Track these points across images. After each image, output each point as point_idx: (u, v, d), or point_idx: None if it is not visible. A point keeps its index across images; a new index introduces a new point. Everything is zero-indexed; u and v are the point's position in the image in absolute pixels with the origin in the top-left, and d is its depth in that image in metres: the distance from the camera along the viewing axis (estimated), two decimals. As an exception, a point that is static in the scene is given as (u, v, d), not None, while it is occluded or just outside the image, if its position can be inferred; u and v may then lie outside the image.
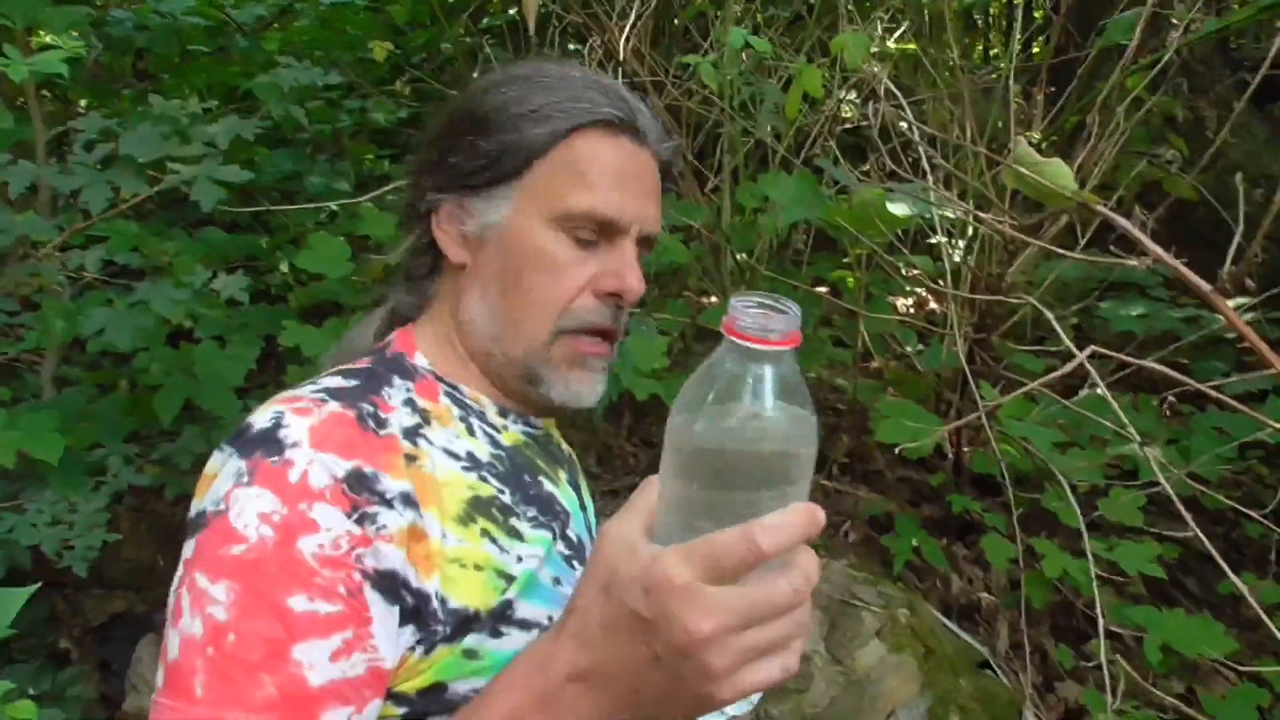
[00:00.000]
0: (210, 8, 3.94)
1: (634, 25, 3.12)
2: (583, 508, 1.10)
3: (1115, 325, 3.18)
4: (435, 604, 0.87)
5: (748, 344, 0.70)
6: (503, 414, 1.05)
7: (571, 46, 3.53)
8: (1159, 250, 1.03)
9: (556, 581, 0.98)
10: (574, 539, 1.04)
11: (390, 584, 0.85)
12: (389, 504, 0.86)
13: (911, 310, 3.91)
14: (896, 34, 3.24)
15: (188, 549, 0.85)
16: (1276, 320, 3.19)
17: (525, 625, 0.92)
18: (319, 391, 0.92)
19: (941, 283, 2.82)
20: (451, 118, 1.04)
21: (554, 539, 1.00)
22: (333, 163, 3.90)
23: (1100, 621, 2.06)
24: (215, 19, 3.98)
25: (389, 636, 0.84)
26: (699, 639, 0.69)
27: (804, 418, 0.72)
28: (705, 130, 3.36)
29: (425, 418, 0.96)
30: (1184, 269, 1.01)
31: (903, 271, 3.01)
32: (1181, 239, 3.18)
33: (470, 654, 0.89)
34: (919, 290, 3.55)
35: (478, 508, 0.94)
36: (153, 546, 2.80)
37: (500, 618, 0.91)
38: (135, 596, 2.80)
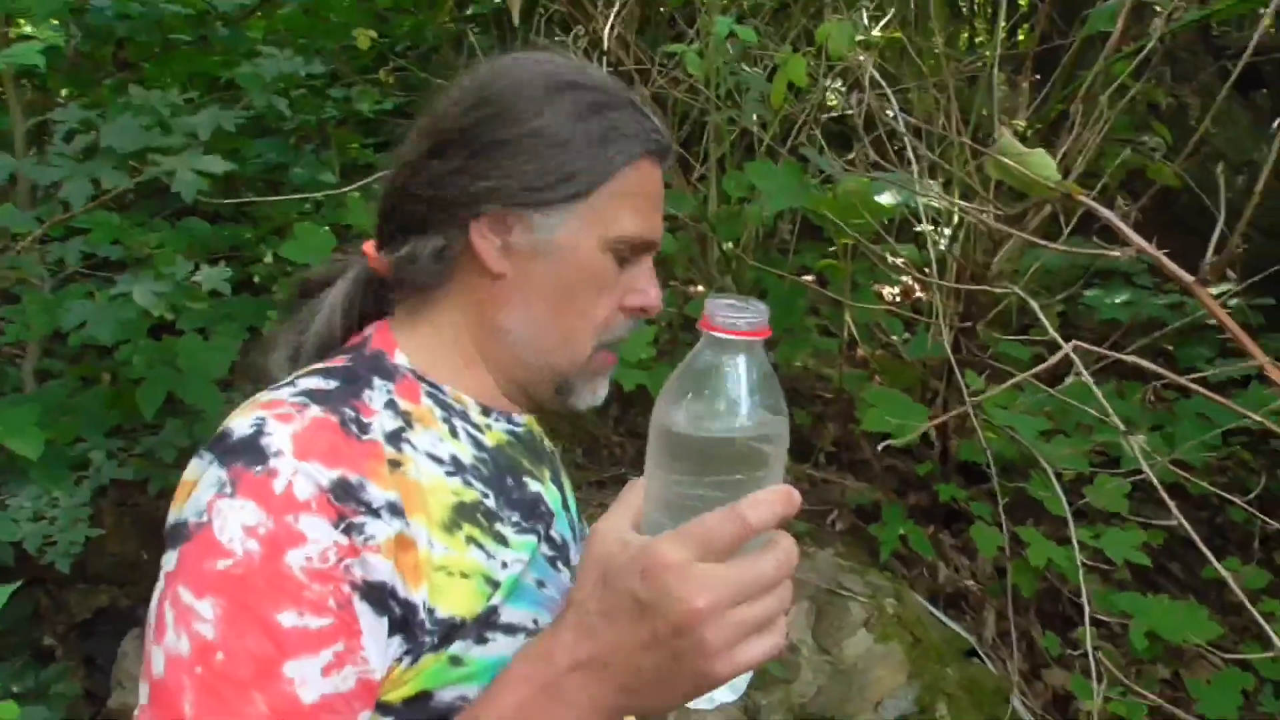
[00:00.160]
0: (192, -4, 3.91)
1: (619, 13, 3.10)
2: (565, 507, 1.09)
3: (1100, 313, 3.19)
4: (423, 614, 0.86)
5: (720, 335, 0.77)
6: (485, 412, 1.03)
7: (556, 36, 3.51)
8: (1141, 241, 1.03)
9: (540, 584, 0.97)
10: (557, 539, 1.03)
11: (379, 595, 0.83)
12: (376, 513, 0.85)
13: (898, 298, 3.92)
14: (882, 22, 3.22)
15: (169, 561, 0.83)
16: (1259, 306, 3.20)
17: (510, 630, 0.91)
18: (300, 395, 0.90)
19: (927, 271, 2.82)
20: (506, 122, 0.97)
21: (538, 541, 0.99)
22: (317, 152, 3.87)
23: (1086, 609, 2.07)
24: (197, 7, 3.94)
25: (378, 648, 0.83)
26: (695, 613, 0.72)
27: (776, 405, 0.79)
28: (691, 119, 3.35)
29: (407, 420, 0.94)
30: (1165, 260, 1.01)
31: (889, 260, 3.01)
32: (1166, 226, 3.18)
33: (455, 661, 0.88)
34: (905, 279, 3.55)
35: (463, 514, 0.93)
36: (136, 541, 2.78)
37: (486, 624, 0.90)
38: (119, 591, 2.79)
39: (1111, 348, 2.96)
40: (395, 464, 0.89)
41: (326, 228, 2.95)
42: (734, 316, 0.77)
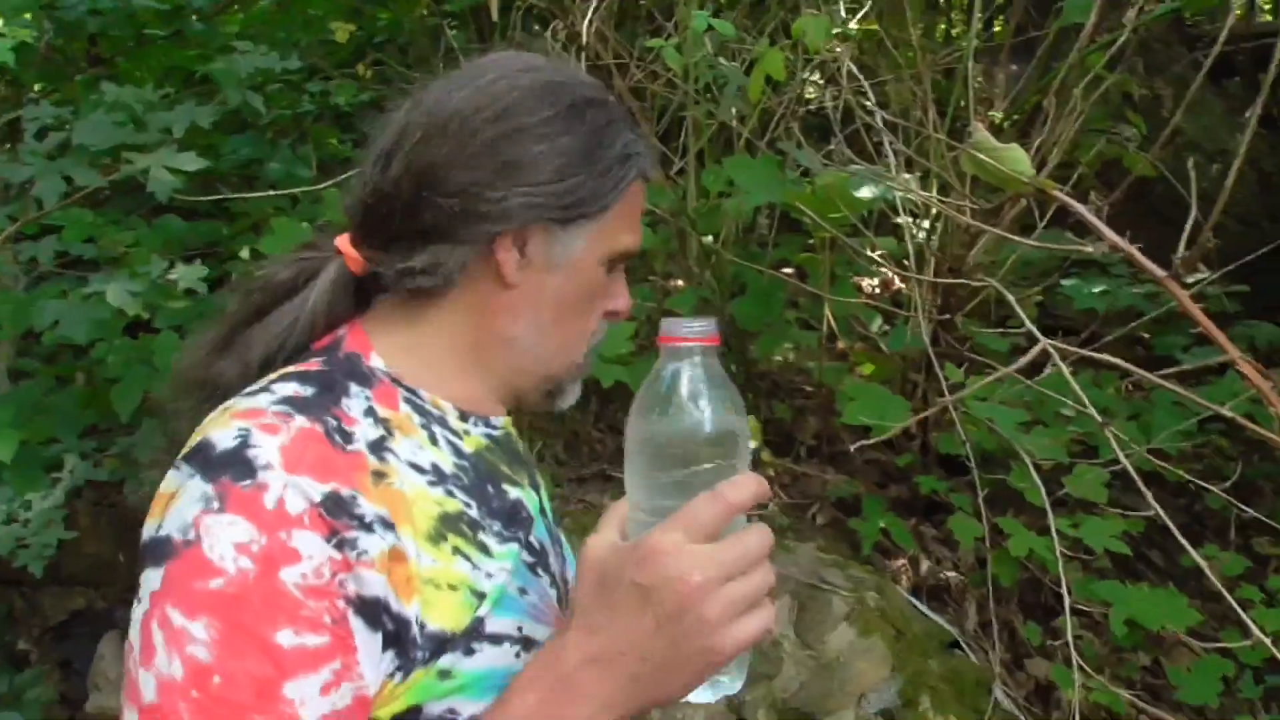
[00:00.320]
0: (165, -9, 3.88)
1: (597, 8, 3.09)
2: (543, 511, 1.08)
3: (1077, 303, 3.20)
4: (415, 630, 0.85)
5: (675, 344, 0.88)
6: (463, 418, 1.02)
7: (534, 30, 3.50)
8: (1114, 236, 1.03)
9: (523, 591, 0.96)
10: (536, 545, 1.02)
11: (373, 610, 0.83)
12: (369, 527, 0.83)
13: (877, 290, 3.92)
14: (859, 15, 3.22)
15: (152, 579, 0.81)
16: (1234, 294, 3.22)
17: (496, 640, 0.91)
18: (280, 404, 0.88)
19: (906, 264, 2.83)
20: (535, 138, 0.96)
21: (520, 549, 0.99)
22: (294, 148, 3.85)
23: (1067, 598, 2.08)
24: (171, 2, 3.91)
25: (372, 663, 0.83)
26: (693, 589, 0.78)
27: (734, 401, 0.89)
28: (669, 113, 3.34)
29: (388, 429, 0.93)
30: (1139, 255, 1.02)
31: (868, 252, 3.01)
32: (1142, 215, 3.20)
33: (444, 674, 0.87)
34: (884, 271, 3.56)
35: (448, 524, 0.92)
36: (113, 542, 2.76)
37: (473, 636, 0.89)
38: (95, 593, 2.76)
39: (1089, 337, 2.99)
40: (380, 475, 0.88)
41: (304, 223, 2.93)
42: (684, 328, 0.88)
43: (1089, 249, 1.10)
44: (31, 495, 2.41)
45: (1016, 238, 1.51)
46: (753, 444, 3.04)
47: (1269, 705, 2.53)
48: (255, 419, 0.85)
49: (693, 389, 0.88)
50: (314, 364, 0.96)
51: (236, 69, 2.98)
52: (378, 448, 0.90)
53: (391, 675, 0.84)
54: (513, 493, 1.03)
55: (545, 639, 0.93)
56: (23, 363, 2.99)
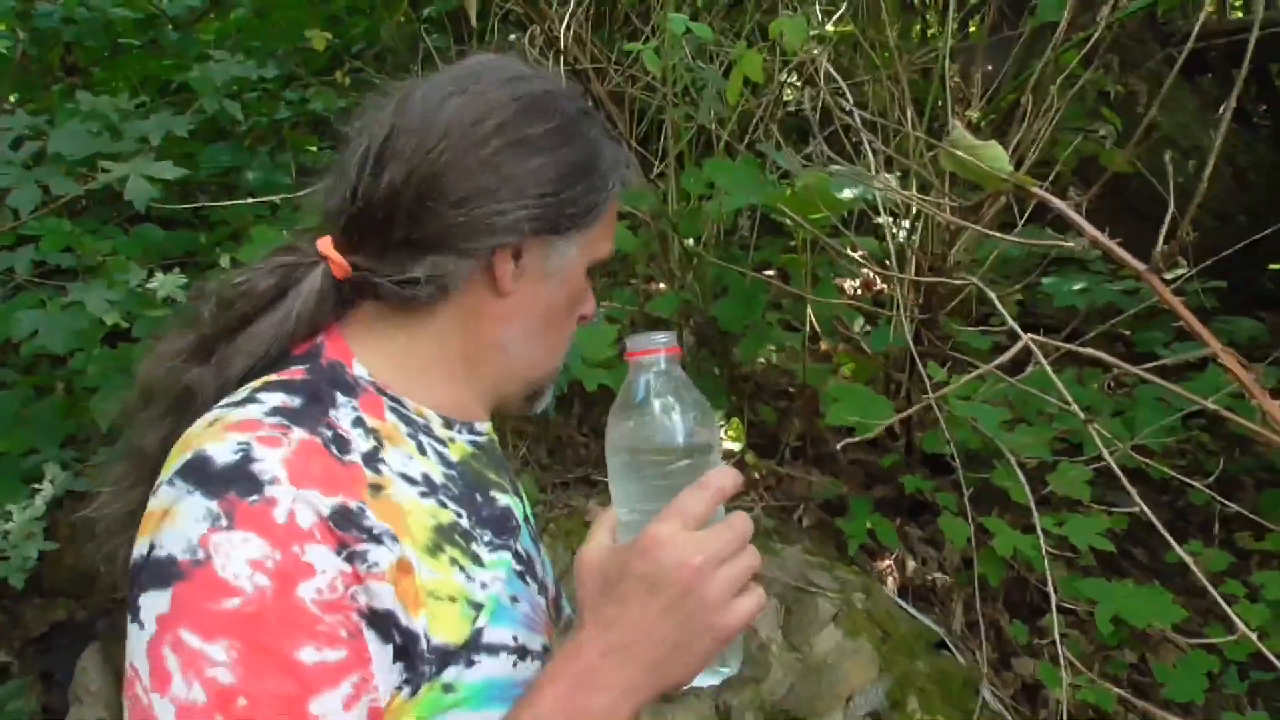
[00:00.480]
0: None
1: (574, 12, 3.09)
2: (526, 519, 1.08)
3: (1057, 301, 3.21)
4: (423, 643, 0.85)
5: (640, 357, 0.96)
6: (448, 425, 1.01)
7: (512, 36, 3.49)
8: (1095, 232, 1.03)
9: (515, 600, 0.96)
10: (523, 554, 1.02)
11: (384, 623, 0.83)
12: (378, 540, 0.83)
13: (859, 291, 3.93)
14: (835, 16, 3.23)
15: (157, 602, 0.78)
16: (1211, 289, 3.24)
17: (493, 650, 0.91)
18: (274, 414, 0.86)
19: (887, 264, 2.83)
20: (536, 150, 0.97)
21: (511, 557, 0.99)
22: (273, 155, 3.83)
23: (1053, 596, 2.08)
24: (146, 11, 3.89)
25: (384, 675, 0.83)
26: (696, 571, 0.84)
27: (700, 402, 0.96)
28: (648, 116, 3.34)
29: (378, 439, 0.92)
30: (1120, 250, 1.02)
31: (849, 252, 3.01)
32: (1119, 211, 3.21)
33: (448, 688, 0.87)
34: (866, 271, 3.56)
35: (443, 535, 0.91)
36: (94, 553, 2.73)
37: (473, 647, 0.89)
38: (76, 604, 2.74)
39: (1070, 334, 3.00)
40: (377, 487, 0.87)
41: (284, 231, 2.92)
42: (646, 342, 0.96)
43: (1069, 245, 1.10)
44: (11, 506, 2.38)
45: (997, 234, 1.52)
46: (737, 446, 3.04)
47: (1254, 701, 2.54)
48: (252, 431, 0.83)
49: (663, 397, 0.95)
50: (297, 372, 0.94)
51: (213, 77, 2.97)
52: (371, 459, 0.89)
53: (399, 688, 0.84)
54: (502, 500, 1.02)
55: (539, 648, 0.95)
56: (0, 373, 2.96)
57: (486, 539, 0.96)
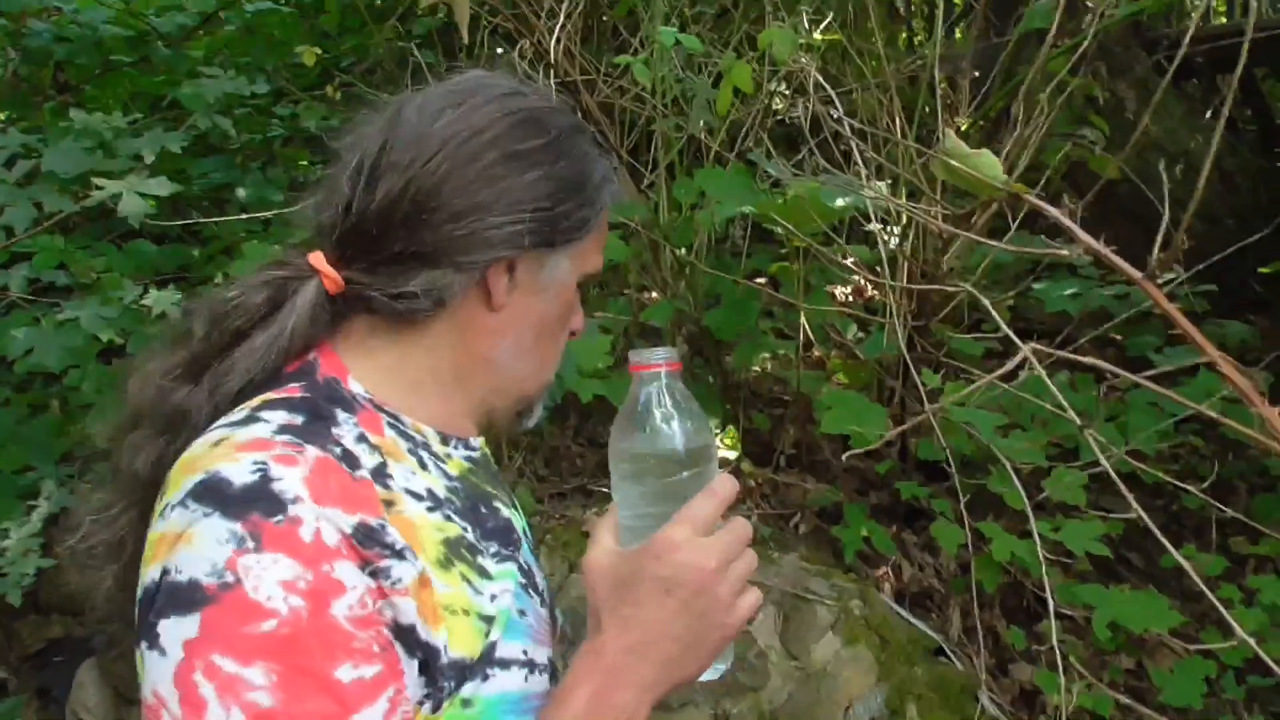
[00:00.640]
0: (131, 17, 3.86)
1: (563, 25, 3.09)
2: (524, 532, 1.08)
3: (1048, 306, 3.22)
4: (443, 658, 0.85)
5: (643, 371, 1.01)
6: (445, 441, 1.01)
7: (500, 50, 3.50)
8: (1090, 240, 1.04)
9: (521, 613, 0.96)
10: (525, 566, 1.02)
11: (408, 637, 0.83)
12: (400, 555, 0.84)
13: (851, 298, 3.94)
14: (822, 25, 3.25)
15: (184, 628, 0.76)
16: (1202, 293, 3.25)
17: (505, 664, 0.91)
18: (281, 433, 0.85)
19: (879, 271, 2.84)
20: (531, 165, 0.97)
21: (517, 569, 0.99)
22: (265, 171, 3.84)
23: (1050, 602, 2.08)
24: (137, 29, 3.89)
25: (413, 687, 0.84)
26: (709, 572, 0.90)
27: (700, 415, 1.02)
28: (639, 127, 3.35)
29: (382, 455, 0.91)
30: (1114, 257, 1.03)
31: (842, 260, 3.02)
32: (1108, 216, 3.23)
33: (466, 703, 0.88)
34: (858, 278, 3.58)
35: (451, 550, 0.92)
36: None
37: (487, 661, 0.90)
38: (74, 620, 2.73)
39: (1063, 340, 3.00)
40: (389, 503, 0.87)
41: (276, 246, 2.92)
42: (649, 356, 1.01)
43: (1064, 251, 1.11)
44: (8, 524, 2.38)
45: (990, 241, 1.53)
46: (732, 454, 3.05)
47: (1251, 706, 2.54)
48: (266, 450, 0.82)
49: (665, 409, 1.00)
50: (294, 390, 0.93)
51: (204, 93, 2.97)
52: (380, 475, 0.89)
53: (421, 703, 0.84)
54: (504, 512, 1.03)
55: (545, 660, 0.96)
56: (-6, 392, 2.96)
57: (492, 550, 0.97)
